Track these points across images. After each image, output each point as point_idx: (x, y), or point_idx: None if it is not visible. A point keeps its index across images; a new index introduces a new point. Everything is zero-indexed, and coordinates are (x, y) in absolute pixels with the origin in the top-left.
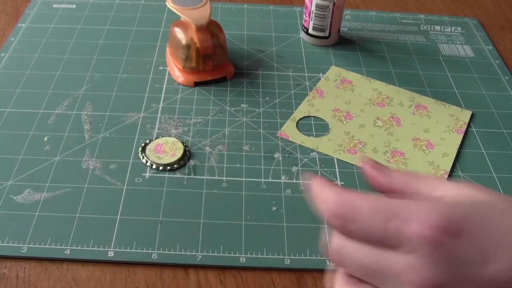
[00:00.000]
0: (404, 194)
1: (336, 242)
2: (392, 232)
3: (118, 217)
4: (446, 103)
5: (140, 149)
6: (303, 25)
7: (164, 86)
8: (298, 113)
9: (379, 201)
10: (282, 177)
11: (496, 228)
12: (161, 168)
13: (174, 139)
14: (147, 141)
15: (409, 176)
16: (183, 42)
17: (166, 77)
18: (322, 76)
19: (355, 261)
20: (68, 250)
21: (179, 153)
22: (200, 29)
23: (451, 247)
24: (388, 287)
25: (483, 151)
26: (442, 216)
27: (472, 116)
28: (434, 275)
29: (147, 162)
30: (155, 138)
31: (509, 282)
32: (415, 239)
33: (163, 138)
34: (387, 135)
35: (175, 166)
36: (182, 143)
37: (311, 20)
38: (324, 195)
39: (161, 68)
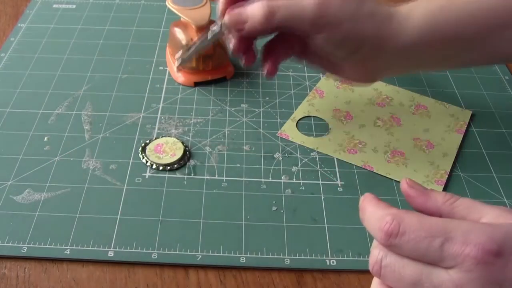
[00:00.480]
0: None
1: (377, 253)
2: (436, 249)
3: (118, 217)
4: (446, 103)
5: (140, 149)
6: None
7: (164, 86)
8: (298, 113)
9: (425, 218)
10: (282, 177)
11: None
12: (161, 168)
13: (174, 139)
14: (147, 141)
15: (446, 197)
16: (183, 42)
17: (166, 77)
18: (322, 76)
19: (395, 272)
20: (68, 250)
21: (179, 153)
22: (200, 29)
23: (496, 267)
24: None
25: (483, 151)
26: (483, 237)
27: (472, 116)
28: None
29: (147, 162)
30: (155, 138)
31: None
32: (464, 259)
33: (163, 138)
34: (387, 135)
35: (175, 166)
36: (182, 143)
37: None
38: (370, 209)
39: (161, 68)
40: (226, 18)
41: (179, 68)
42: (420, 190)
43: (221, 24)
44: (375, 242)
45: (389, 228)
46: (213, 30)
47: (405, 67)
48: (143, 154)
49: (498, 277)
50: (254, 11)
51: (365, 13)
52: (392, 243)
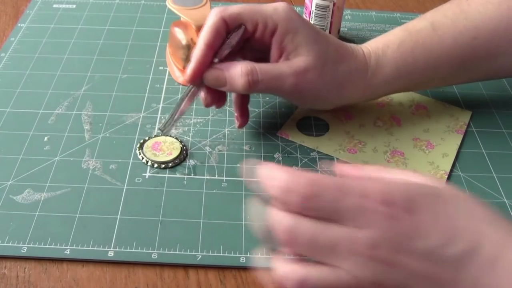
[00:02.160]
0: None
1: (287, 220)
2: (348, 207)
3: (118, 217)
4: (446, 103)
5: (138, 145)
6: None
7: (164, 86)
8: (298, 113)
9: (337, 179)
10: None
11: (439, 211)
12: (155, 165)
13: (173, 139)
14: (146, 138)
15: (377, 169)
16: (183, 42)
17: (166, 77)
18: None
19: (306, 237)
20: (68, 250)
21: (175, 153)
22: (200, 29)
23: (400, 222)
24: (337, 261)
25: (483, 151)
26: (395, 193)
27: (472, 116)
28: (384, 245)
29: (143, 158)
30: (155, 136)
31: (439, 259)
32: (373, 215)
33: (162, 137)
34: (387, 135)
35: (170, 165)
36: (181, 142)
37: (311, 20)
38: (277, 174)
39: (161, 68)
40: (207, 79)
41: (165, 134)
42: (353, 165)
43: (195, 85)
44: (278, 213)
45: (304, 191)
46: (186, 91)
47: (380, 96)
48: (140, 151)
49: (407, 231)
50: (235, 82)
51: (341, 77)
52: (307, 205)
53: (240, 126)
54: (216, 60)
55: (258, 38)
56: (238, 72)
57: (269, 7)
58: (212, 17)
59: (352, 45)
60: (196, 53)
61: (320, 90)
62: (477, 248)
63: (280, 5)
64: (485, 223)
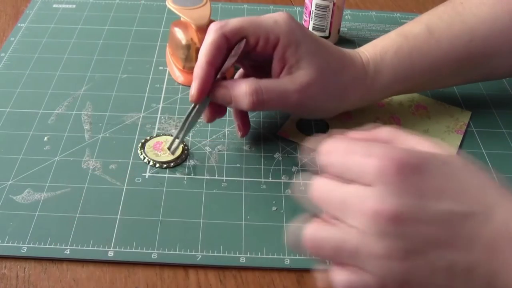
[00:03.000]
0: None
1: (320, 180)
2: (357, 165)
3: (118, 217)
4: (446, 104)
5: (139, 145)
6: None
7: (164, 86)
8: None
9: (351, 140)
10: (282, 177)
11: (451, 176)
12: (157, 165)
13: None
14: (148, 137)
15: (391, 131)
16: (183, 42)
17: (166, 77)
18: None
19: (322, 192)
20: (68, 250)
21: (177, 153)
22: (200, 29)
23: (409, 180)
24: (348, 218)
25: (483, 151)
26: (402, 153)
27: (472, 116)
28: (392, 202)
29: (144, 158)
30: (156, 136)
31: (452, 220)
32: (375, 170)
33: (164, 136)
34: None
35: (171, 164)
36: (182, 142)
37: (311, 20)
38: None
39: (161, 68)
40: (213, 97)
41: (172, 153)
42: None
43: (198, 103)
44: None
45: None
46: (191, 108)
47: (378, 100)
48: (142, 151)
49: (415, 190)
50: (240, 101)
51: (342, 87)
52: (324, 160)
53: (243, 135)
54: (219, 76)
55: (259, 50)
56: (242, 91)
57: (269, 19)
58: (211, 33)
59: (350, 52)
60: (199, 72)
61: (322, 102)
62: (490, 216)
63: (281, 17)
64: (496, 193)
